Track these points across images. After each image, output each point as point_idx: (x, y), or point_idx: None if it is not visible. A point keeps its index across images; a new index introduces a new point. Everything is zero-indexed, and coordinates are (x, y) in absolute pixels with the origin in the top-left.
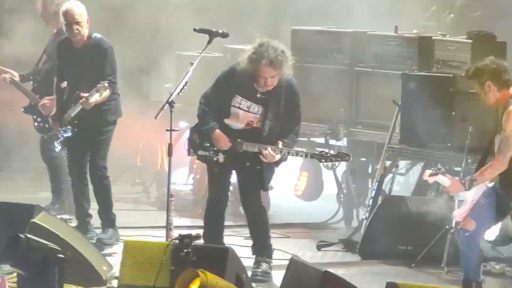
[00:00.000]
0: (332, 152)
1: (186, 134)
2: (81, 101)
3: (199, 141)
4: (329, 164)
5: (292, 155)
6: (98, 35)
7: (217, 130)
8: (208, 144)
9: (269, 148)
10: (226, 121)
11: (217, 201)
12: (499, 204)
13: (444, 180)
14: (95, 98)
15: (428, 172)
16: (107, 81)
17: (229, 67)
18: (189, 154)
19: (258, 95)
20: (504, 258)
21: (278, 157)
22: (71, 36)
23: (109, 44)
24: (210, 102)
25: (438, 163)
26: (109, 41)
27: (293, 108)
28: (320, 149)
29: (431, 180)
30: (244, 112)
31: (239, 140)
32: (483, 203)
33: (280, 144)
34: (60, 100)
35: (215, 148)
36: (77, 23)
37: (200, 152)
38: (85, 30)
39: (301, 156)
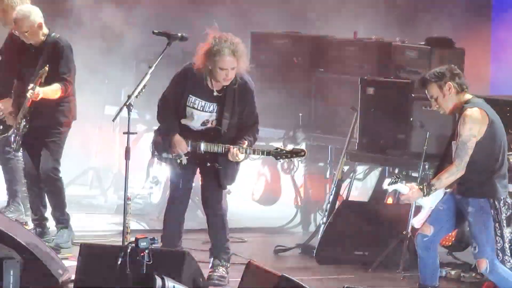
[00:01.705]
0: (287, 148)
1: (144, 137)
2: (28, 93)
3: (163, 144)
4: (285, 164)
5: (249, 153)
6: (57, 35)
7: (176, 135)
8: (170, 146)
9: (235, 148)
10: (183, 121)
11: (179, 201)
12: (457, 209)
13: (403, 187)
14: (39, 89)
15: (387, 181)
16: (47, 66)
17: (182, 68)
18: (153, 156)
19: (214, 94)
20: (460, 263)
21: (242, 156)
22: (25, 41)
23: (66, 43)
24: (168, 104)
25: (396, 169)
26: (67, 41)
27: (249, 106)
28: (275, 146)
29: (391, 188)
30: (199, 112)
31: (198, 142)
32: (441, 209)
33: (246, 143)
34: (18, 100)
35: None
36: (25, 32)
37: (164, 155)
38: (37, 35)
39: (258, 154)
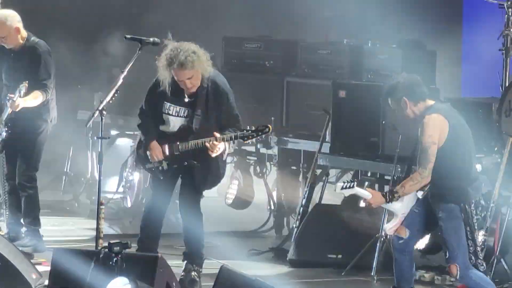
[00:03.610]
0: (252, 128)
1: (117, 142)
2: (8, 103)
3: (144, 155)
4: (258, 167)
5: (220, 141)
6: (36, 39)
7: (153, 142)
8: None
9: (209, 140)
10: (161, 127)
11: (158, 208)
12: (431, 213)
13: (364, 192)
14: (20, 99)
15: (339, 185)
16: (27, 81)
17: (156, 77)
18: (136, 169)
19: (185, 99)
20: (433, 266)
21: (222, 146)
22: (5, 46)
23: (45, 48)
24: (146, 113)
25: (369, 172)
26: (46, 45)
27: (226, 107)
28: (241, 129)
29: (346, 193)
30: (174, 117)
31: (175, 144)
32: (416, 212)
33: (216, 134)
34: None
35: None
36: (2, 37)
37: (148, 166)
38: (15, 39)
39: (227, 140)
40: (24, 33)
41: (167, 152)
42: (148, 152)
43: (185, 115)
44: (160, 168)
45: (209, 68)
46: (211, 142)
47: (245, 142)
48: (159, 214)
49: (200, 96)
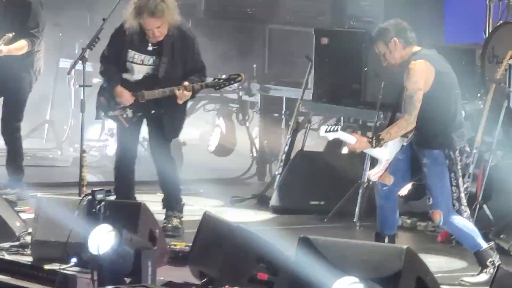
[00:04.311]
0: (223, 76)
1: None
2: None
3: (107, 102)
4: (240, 114)
5: (189, 89)
6: None
7: (118, 87)
8: (114, 103)
9: (178, 88)
10: (124, 75)
11: (127, 155)
12: (414, 159)
13: (348, 137)
14: (3, 46)
15: (323, 128)
16: (14, 33)
17: (120, 24)
18: (97, 117)
19: (149, 48)
20: (416, 212)
21: (188, 94)
22: None
23: None
24: (108, 60)
25: (351, 118)
26: None
27: (191, 54)
28: (213, 78)
29: (330, 136)
30: (139, 66)
31: (141, 91)
32: (401, 159)
33: (186, 83)
34: None
35: (122, 105)
36: None
37: (110, 114)
38: None
39: (198, 89)
40: None
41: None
42: (117, 99)
43: (150, 63)
44: (125, 115)
45: (177, 16)
46: (180, 91)
47: (216, 90)
48: (129, 161)
49: (166, 44)
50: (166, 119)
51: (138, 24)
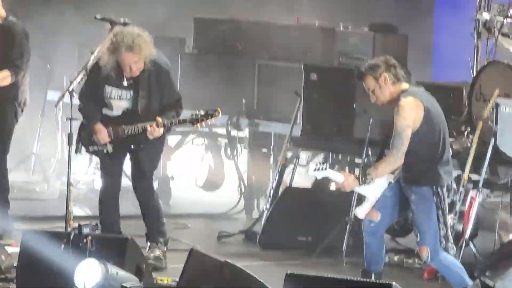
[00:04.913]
0: (201, 112)
1: None
2: None
3: (87, 137)
4: (229, 149)
5: (166, 125)
6: (14, 19)
7: (96, 124)
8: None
9: (151, 124)
10: (104, 111)
11: (110, 188)
12: (402, 196)
13: (337, 175)
14: None
15: (312, 167)
16: None
17: (95, 61)
18: (77, 152)
19: (125, 83)
20: (402, 249)
21: (161, 130)
22: None
23: (22, 30)
24: (86, 97)
25: (340, 155)
26: (24, 27)
27: (168, 87)
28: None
29: (319, 175)
30: (117, 101)
31: (120, 127)
32: (388, 195)
33: (159, 119)
34: None
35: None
36: None
37: (91, 148)
38: None
39: (175, 124)
40: (2, 12)
41: (112, 135)
42: (94, 136)
43: (128, 97)
44: (105, 151)
45: (153, 50)
46: (152, 127)
47: (195, 126)
48: (113, 194)
49: (142, 78)
50: (143, 153)
51: (114, 60)
